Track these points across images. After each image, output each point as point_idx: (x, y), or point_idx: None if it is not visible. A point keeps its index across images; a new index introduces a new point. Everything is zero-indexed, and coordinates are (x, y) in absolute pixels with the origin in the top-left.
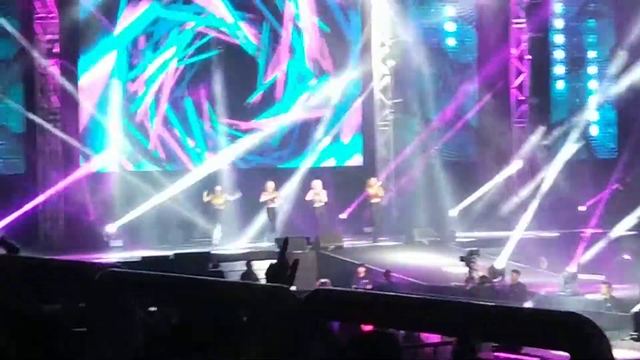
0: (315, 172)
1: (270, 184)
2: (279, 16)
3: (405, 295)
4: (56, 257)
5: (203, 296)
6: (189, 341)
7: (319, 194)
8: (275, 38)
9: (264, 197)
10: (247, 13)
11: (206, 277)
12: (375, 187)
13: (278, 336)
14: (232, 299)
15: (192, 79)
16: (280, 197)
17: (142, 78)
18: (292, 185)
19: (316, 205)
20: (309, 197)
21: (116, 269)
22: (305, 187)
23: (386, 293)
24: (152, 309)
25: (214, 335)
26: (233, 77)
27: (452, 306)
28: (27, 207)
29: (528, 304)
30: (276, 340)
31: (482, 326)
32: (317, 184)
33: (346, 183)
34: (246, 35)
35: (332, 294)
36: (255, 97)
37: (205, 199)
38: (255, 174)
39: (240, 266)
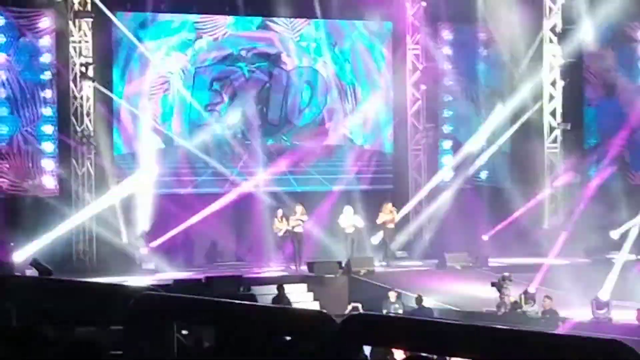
0: (347, 196)
1: (300, 208)
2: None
3: (440, 320)
4: (91, 280)
5: (243, 320)
6: None
7: (348, 220)
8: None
9: (292, 222)
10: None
11: (245, 302)
12: (389, 213)
13: (319, 359)
14: (272, 322)
15: (225, 70)
16: (304, 222)
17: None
18: (323, 209)
19: (347, 230)
20: (342, 222)
21: (152, 292)
22: (337, 210)
23: (421, 318)
24: (184, 332)
25: (250, 357)
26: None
27: (489, 332)
28: (60, 229)
29: (560, 330)
30: None
31: (519, 352)
32: (347, 209)
33: (377, 207)
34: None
35: (368, 319)
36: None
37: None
38: (286, 197)
39: (272, 290)
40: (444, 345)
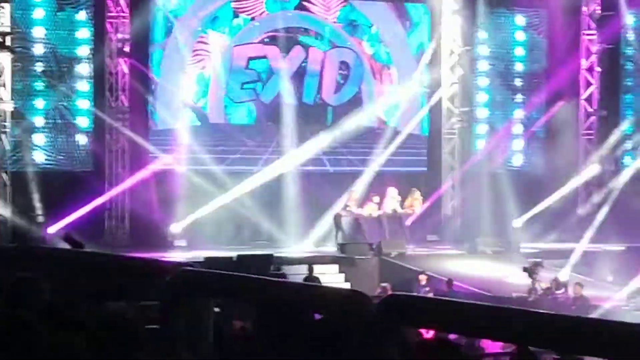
0: (380, 178)
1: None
2: None
3: (474, 303)
4: (126, 254)
5: (278, 297)
6: (260, 341)
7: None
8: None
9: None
10: None
11: (281, 279)
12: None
13: (356, 338)
14: (307, 301)
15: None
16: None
17: None
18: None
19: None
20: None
21: (190, 268)
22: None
23: (456, 300)
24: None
25: (285, 335)
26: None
27: (523, 315)
28: (94, 204)
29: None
30: (354, 341)
31: (551, 335)
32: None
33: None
34: None
35: (406, 300)
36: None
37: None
38: (317, 178)
39: (302, 269)
40: (479, 327)
